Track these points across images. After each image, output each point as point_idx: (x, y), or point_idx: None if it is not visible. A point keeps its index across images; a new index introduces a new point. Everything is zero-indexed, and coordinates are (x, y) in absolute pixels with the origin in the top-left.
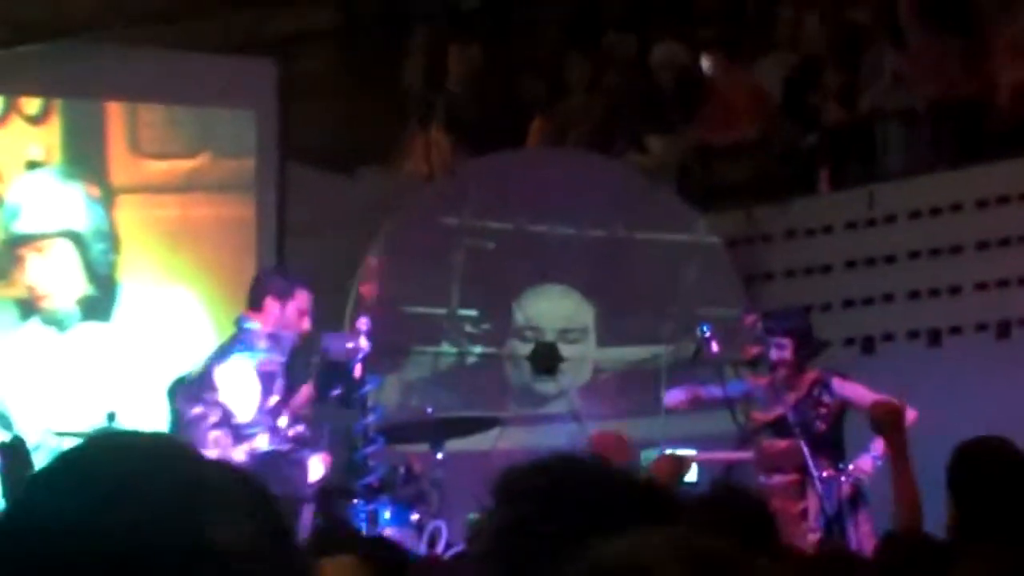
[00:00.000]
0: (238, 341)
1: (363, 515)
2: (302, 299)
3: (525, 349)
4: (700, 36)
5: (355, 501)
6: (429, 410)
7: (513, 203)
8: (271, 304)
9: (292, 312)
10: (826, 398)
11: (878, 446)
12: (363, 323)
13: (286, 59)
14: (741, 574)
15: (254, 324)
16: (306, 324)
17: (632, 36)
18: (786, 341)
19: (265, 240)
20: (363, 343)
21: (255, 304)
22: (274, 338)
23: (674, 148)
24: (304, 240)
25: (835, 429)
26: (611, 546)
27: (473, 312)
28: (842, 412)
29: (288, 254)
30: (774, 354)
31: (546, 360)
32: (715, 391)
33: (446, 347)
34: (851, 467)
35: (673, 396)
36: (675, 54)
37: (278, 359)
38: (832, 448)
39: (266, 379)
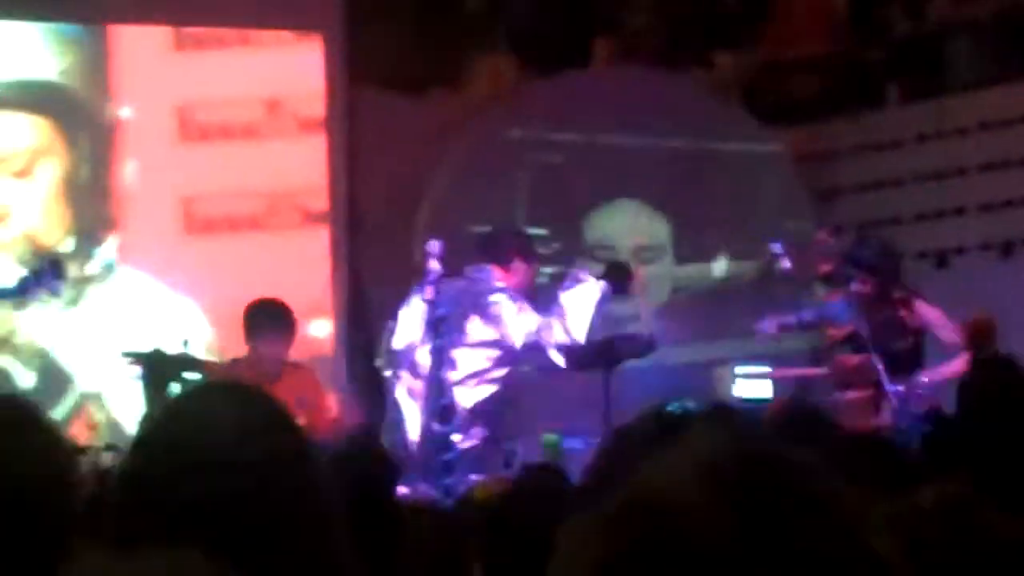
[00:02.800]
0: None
1: (439, 437)
2: (537, 260)
3: (597, 269)
4: None
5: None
6: None
7: (580, 121)
8: (519, 265)
9: (533, 273)
10: (908, 319)
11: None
12: (434, 246)
13: None
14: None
15: (500, 284)
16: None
17: None
18: (867, 277)
19: (336, 161)
20: (434, 266)
21: (503, 261)
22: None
23: (741, 64)
24: (373, 162)
25: (915, 348)
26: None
27: (542, 231)
28: (922, 333)
29: (357, 176)
30: (855, 286)
31: (620, 280)
32: (805, 315)
33: None
34: (924, 379)
35: (765, 327)
36: None
37: None
38: (911, 366)
39: None
